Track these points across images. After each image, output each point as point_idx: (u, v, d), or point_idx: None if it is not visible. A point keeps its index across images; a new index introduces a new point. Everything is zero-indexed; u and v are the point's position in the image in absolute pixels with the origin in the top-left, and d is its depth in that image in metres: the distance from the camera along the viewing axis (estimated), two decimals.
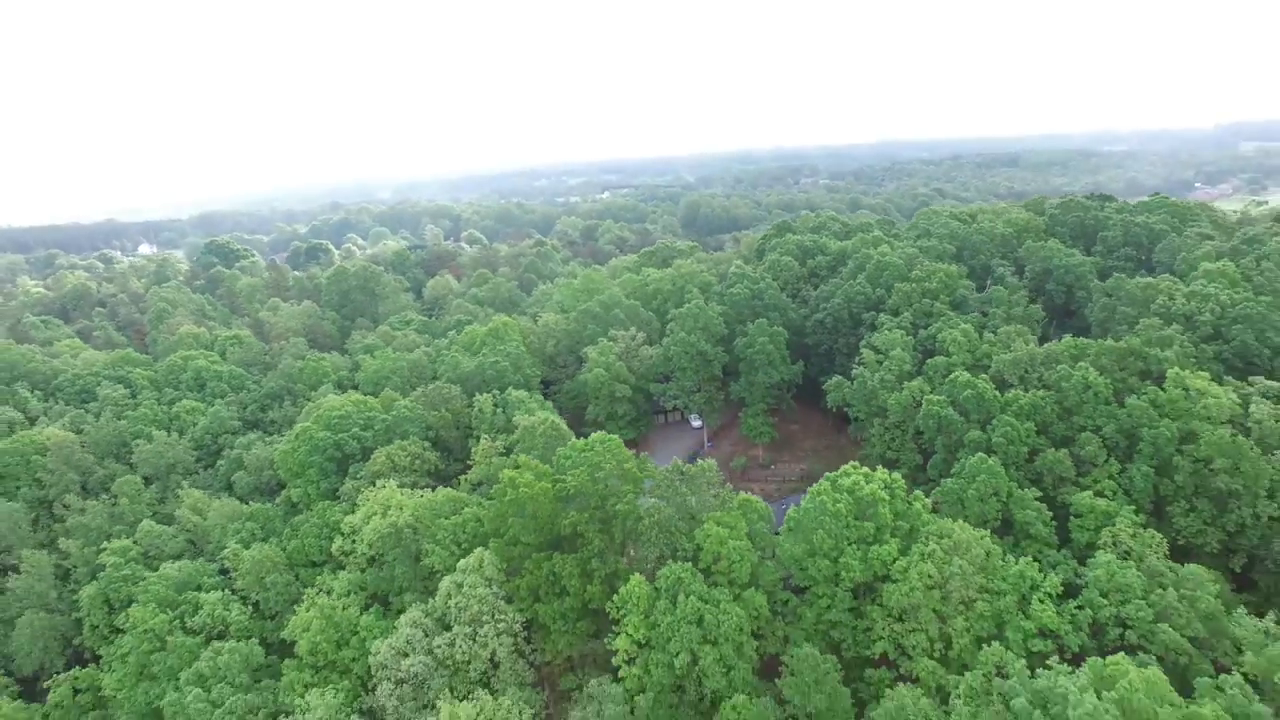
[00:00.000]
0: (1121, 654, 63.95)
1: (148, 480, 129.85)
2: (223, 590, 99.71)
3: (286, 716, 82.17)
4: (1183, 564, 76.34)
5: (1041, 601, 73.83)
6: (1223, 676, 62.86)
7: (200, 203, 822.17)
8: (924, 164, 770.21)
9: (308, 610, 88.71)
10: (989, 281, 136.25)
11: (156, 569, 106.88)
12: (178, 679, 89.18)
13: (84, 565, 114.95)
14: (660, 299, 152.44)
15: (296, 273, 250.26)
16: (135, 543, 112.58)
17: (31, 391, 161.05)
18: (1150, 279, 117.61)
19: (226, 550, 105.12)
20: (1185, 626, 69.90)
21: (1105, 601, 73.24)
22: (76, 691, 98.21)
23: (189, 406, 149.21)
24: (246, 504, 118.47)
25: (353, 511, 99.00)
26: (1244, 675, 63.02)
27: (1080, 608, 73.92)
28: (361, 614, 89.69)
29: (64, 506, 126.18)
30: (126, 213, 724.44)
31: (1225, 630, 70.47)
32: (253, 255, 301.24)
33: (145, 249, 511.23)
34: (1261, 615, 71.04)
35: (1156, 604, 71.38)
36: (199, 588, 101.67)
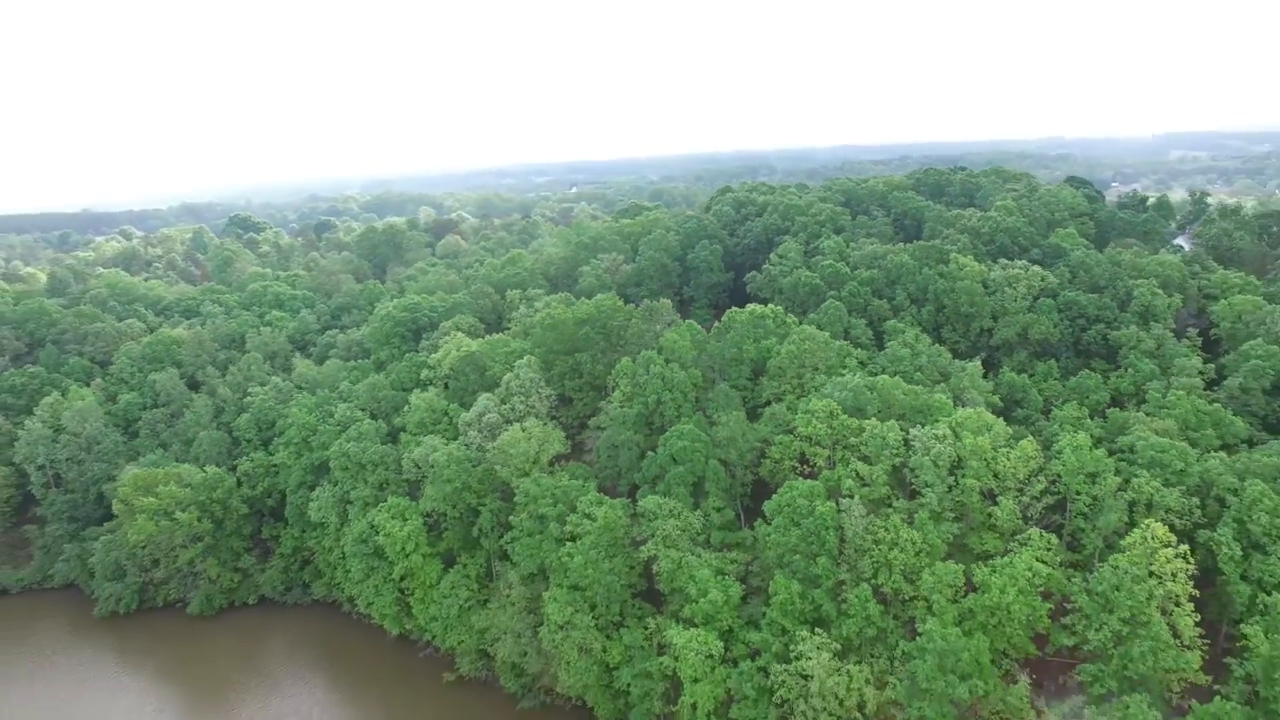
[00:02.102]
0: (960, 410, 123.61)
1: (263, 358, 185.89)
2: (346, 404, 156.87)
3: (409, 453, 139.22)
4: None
5: (855, 370, 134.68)
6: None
7: (174, 196, 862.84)
8: (874, 164, 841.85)
9: (416, 400, 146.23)
10: (863, 217, 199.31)
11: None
12: (327, 448, 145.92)
13: (233, 406, 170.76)
14: (633, 238, 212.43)
15: (327, 234, 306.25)
16: (275, 388, 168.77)
17: (146, 309, 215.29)
18: (961, 210, 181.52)
19: (343, 385, 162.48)
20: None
21: (903, 376, 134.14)
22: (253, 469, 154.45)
23: (277, 316, 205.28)
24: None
25: (435, 349, 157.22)
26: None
27: (884, 372, 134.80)
28: (448, 405, 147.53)
29: (204, 377, 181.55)
30: (101, 204, 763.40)
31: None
32: (271, 227, 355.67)
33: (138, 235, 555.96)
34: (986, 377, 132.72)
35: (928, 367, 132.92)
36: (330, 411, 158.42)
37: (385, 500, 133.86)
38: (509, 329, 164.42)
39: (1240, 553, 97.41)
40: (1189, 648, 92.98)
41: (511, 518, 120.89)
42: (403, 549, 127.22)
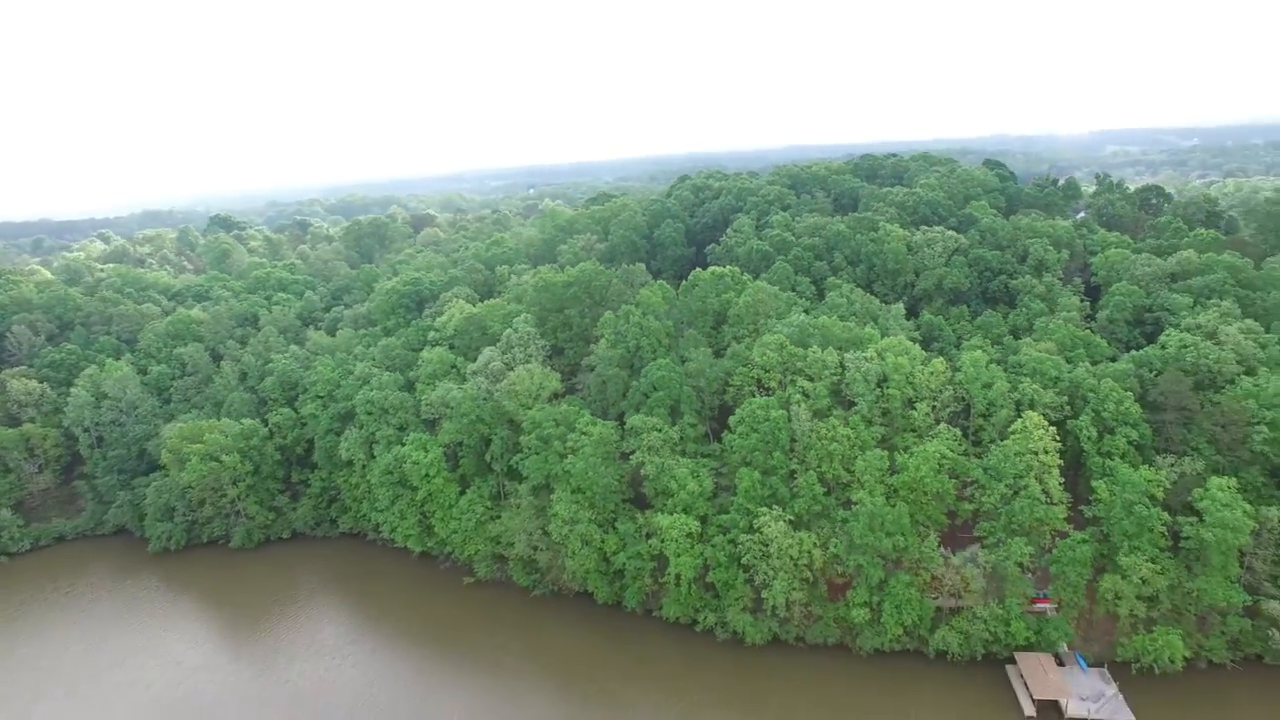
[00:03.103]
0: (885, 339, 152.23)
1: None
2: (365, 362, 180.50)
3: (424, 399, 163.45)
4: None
5: (800, 314, 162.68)
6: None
7: (131, 205, 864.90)
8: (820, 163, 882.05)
9: (426, 355, 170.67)
10: (806, 196, 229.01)
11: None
12: (351, 399, 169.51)
13: (255, 372, 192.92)
14: (604, 221, 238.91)
15: (311, 230, 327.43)
16: (294, 356, 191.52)
17: (159, 294, 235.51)
18: (891, 190, 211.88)
19: (357, 349, 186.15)
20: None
21: (840, 319, 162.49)
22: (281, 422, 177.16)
23: (283, 298, 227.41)
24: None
25: (440, 314, 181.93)
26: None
27: (824, 315, 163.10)
28: (455, 359, 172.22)
29: (226, 350, 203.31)
30: (58, 213, 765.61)
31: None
32: (253, 226, 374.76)
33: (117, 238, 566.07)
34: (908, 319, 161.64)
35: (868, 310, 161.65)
36: (349, 370, 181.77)
37: (406, 439, 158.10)
38: (503, 296, 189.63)
39: (1095, 434, 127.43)
40: (1055, 504, 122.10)
41: (521, 439, 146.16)
42: (426, 474, 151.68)
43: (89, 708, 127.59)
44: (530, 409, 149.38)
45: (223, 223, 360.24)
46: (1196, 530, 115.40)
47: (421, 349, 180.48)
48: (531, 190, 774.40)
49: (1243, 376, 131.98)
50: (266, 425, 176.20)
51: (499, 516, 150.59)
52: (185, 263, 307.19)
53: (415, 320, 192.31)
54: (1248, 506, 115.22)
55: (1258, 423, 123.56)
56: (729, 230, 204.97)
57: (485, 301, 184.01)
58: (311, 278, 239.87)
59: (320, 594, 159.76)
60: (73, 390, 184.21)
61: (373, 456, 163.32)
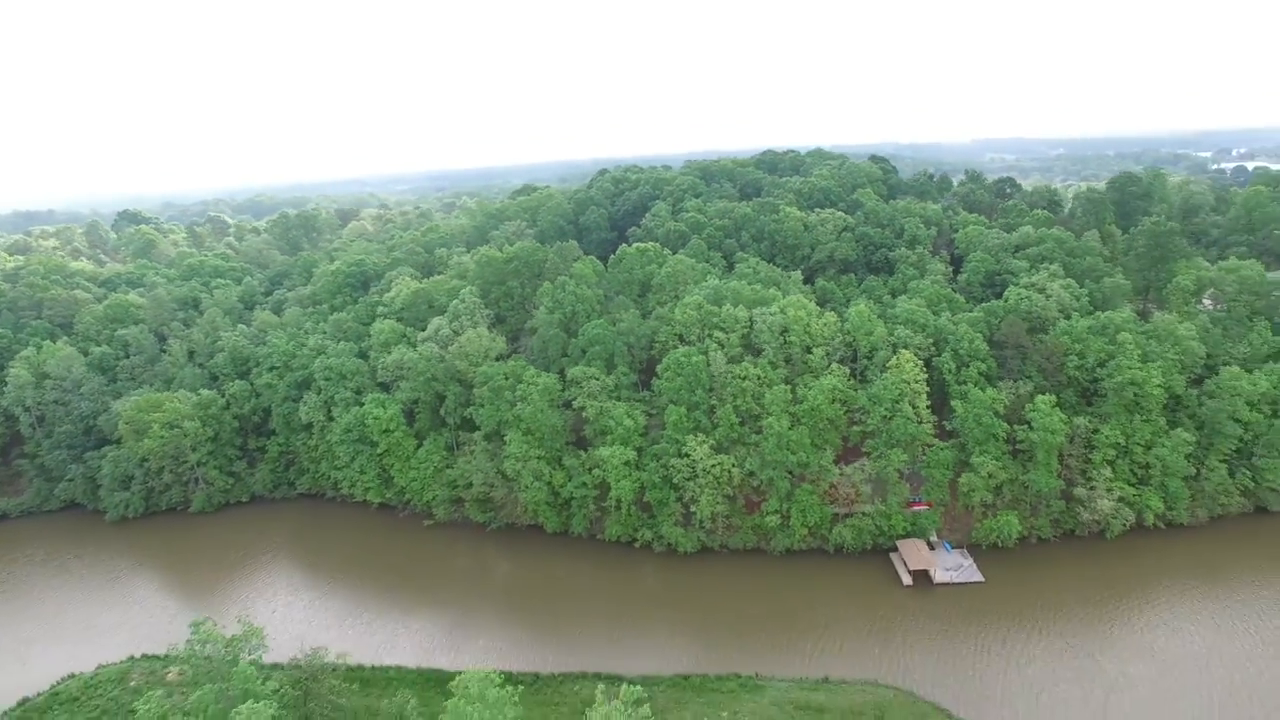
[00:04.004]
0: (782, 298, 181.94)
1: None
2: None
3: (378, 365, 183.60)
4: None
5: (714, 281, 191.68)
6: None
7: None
8: None
9: (378, 326, 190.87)
10: (716, 185, 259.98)
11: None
12: (307, 368, 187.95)
13: (204, 350, 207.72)
14: (531, 210, 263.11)
15: (233, 221, 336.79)
16: (244, 333, 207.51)
17: (88, 281, 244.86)
18: (789, 179, 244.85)
19: (307, 325, 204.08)
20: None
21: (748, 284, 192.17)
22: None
23: (221, 283, 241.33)
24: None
25: (388, 289, 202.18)
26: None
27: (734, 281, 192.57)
28: (405, 329, 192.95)
29: (170, 331, 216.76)
30: None
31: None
32: (160, 220, 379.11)
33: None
34: (805, 284, 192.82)
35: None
36: (302, 343, 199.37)
37: (363, 401, 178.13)
38: (446, 273, 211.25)
39: (954, 367, 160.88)
40: (923, 422, 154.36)
41: (474, 391, 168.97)
42: (386, 429, 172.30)
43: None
44: (480, 366, 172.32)
45: (132, 218, 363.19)
46: (1028, 435, 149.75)
47: (370, 323, 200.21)
48: (440, 192, 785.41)
49: (1061, 320, 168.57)
50: (223, 396, 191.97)
51: (453, 465, 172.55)
52: (101, 255, 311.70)
53: (362, 298, 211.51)
54: (1063, 416, 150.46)
55: (1070, 354, 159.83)
56: (648, 215, 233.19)
57: (430, 278, 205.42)
58: (248, 265, 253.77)
59: (285, 548, 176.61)
60: (11, 371, 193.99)
61: (331, 419, 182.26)
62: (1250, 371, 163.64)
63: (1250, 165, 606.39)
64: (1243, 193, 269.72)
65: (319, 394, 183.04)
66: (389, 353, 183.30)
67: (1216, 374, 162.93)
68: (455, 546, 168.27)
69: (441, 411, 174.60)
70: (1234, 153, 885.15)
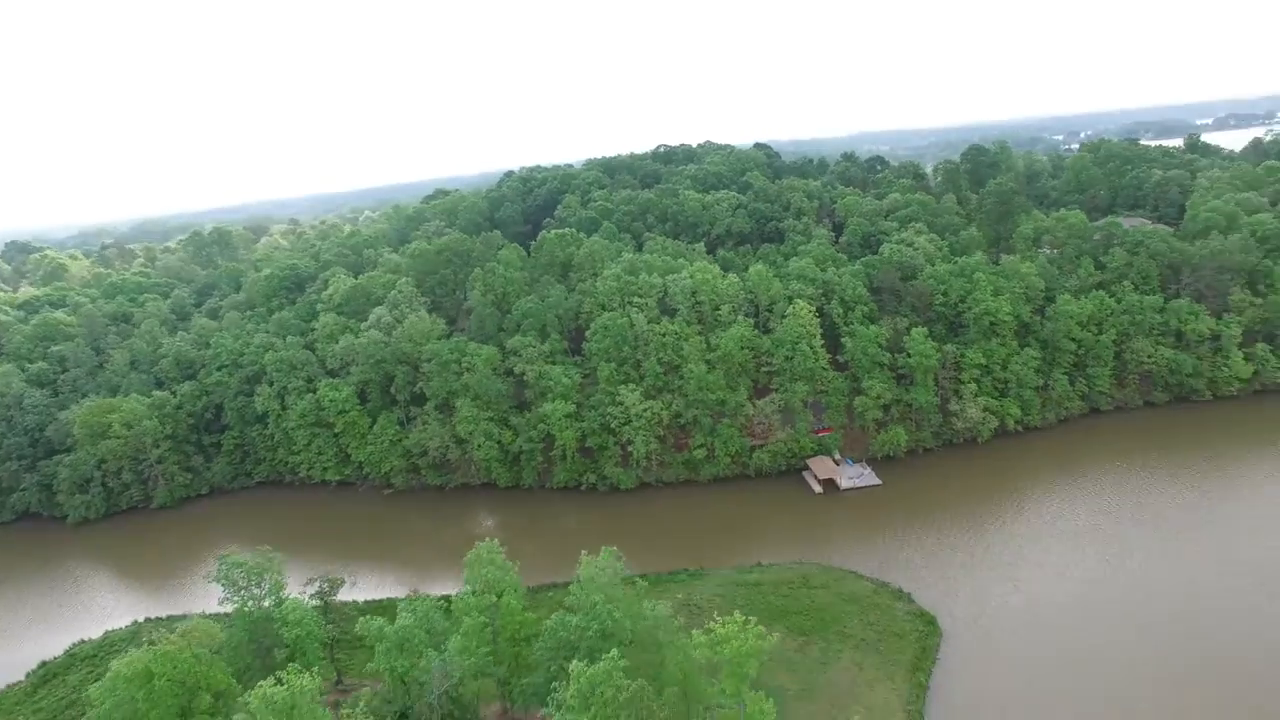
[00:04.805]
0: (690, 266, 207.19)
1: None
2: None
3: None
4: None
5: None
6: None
7: None
8: None
9: (323, 319, 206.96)
10: (619, 178, 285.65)
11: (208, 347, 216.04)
12: (256, 363, 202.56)
13: (147, 357, 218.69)
14: (447, 212, 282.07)
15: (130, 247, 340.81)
16: (184, 339, 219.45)
17: (6, 305, 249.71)
18: (685, 168, 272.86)
19: (248, 327, 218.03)
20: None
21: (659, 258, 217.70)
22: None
23: (149, 298, 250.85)
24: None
25: (325, 288, 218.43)
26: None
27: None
28: (347, 321, 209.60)
29: (106, 345, 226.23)
30: None
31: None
32: (51, 249, 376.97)
33: None
34: (709, 254, 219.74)
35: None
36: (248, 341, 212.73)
37: (315, 388, 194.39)
38: (378, 269, 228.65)
39: (842, 311, 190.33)
40: (819, 358, 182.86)
41: (423, 367, 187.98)
42: (341, 410, 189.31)
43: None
44: (425, 345, 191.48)
45: (22, 248, 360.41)
46: (907, 362, 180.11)
47: (311, 319, 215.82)
48: (331, 213, 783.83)
49: (927, 267, 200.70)
50: (176, 396, 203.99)
51: (408, 436, 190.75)
52: (1, 283, 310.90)
53: (299, 298, 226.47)
54: (934, 345, 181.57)
55: (936, 294, 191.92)
56: (559, 207, 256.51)
57: (364, 275, 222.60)
58: (172, 280, 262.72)
59: (250, 533, 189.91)
60: None
61: (285, 407, 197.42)
62: (1079, 298, 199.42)
63: None
64: (1071, 160, 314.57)
65: (271, 385, 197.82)
66: (336, 342, 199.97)
67: (1053, 302, 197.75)
68: (415, 509, 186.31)
69: (391, 390, 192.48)
70: (1082, 135, 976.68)
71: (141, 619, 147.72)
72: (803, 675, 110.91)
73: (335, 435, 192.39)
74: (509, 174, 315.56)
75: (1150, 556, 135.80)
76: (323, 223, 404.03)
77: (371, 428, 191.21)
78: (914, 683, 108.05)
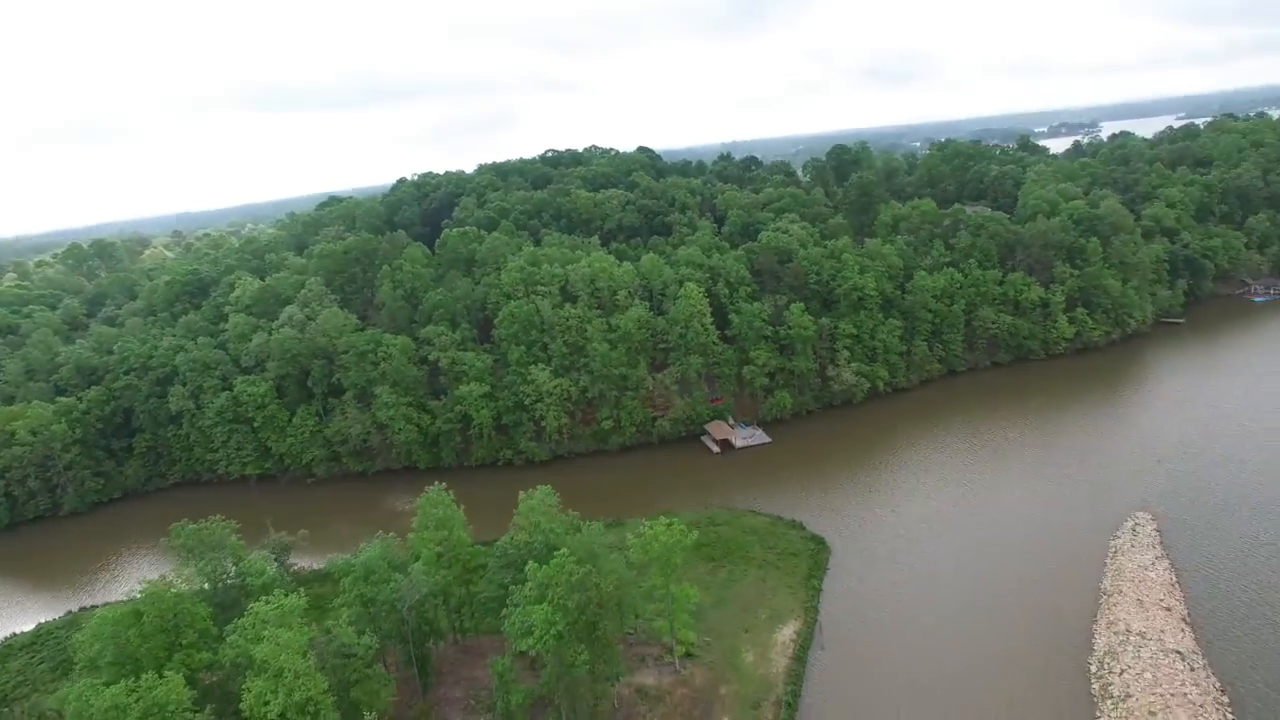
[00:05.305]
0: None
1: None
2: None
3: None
4: None
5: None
6: None
7: None
8: None
9: (234, 319, 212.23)
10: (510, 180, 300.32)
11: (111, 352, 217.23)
12: (167, 365, 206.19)
13: (44, 366, 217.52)
14: (344, 217, 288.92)
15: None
16: (83, 346, 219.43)
17: None
18: (574, 170, 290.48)
19: (153, 331, 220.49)
20: None
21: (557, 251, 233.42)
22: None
23: (35, 309, 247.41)
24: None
25: (231, 290, 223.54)
26: None
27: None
28: (257, 321, 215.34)
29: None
30: None
31: None
32: None
33: None
34: (603, 247, 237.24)
35: None
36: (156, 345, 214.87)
37: (230, 386, 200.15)
38: (284, 272, 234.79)
39: (728, 291, 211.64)
40: (710, 334, 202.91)
41: (340, 358, 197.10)
42: (260, 404, 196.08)
43: None
44: (341, 339, 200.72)
45: None
46: (787, 333, 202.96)
47: (219, 321, 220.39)
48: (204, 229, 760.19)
49: (801, 250, 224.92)
50: (82, 402, 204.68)
51: (328, 426, 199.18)
52: None
53: (204, 302, 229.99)
54: (811, 318, 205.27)
55: (810, 274, 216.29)
56: (456, 209, 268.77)
57: (272, 276, 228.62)
58: (57, 292, 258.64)
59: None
60: None
61: (200, 406, 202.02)
62: (932, 275, 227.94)
63: None
64: (924, 158, 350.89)
65: (185, 385, 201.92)
66: (249, 341, 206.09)
67: (911, 279, 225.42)
68: (341, 497, 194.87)
69: (309, 383, 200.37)
70: (940, 140, 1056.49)
71: (76, 609, 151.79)
72: (716, 591, 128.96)
73: (254, 430, 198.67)
74: (401, 180, 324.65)
75: (998, 483, 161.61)
76: (205, 235, 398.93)
77: (291, 420, 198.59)
78: (809, 587, 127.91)
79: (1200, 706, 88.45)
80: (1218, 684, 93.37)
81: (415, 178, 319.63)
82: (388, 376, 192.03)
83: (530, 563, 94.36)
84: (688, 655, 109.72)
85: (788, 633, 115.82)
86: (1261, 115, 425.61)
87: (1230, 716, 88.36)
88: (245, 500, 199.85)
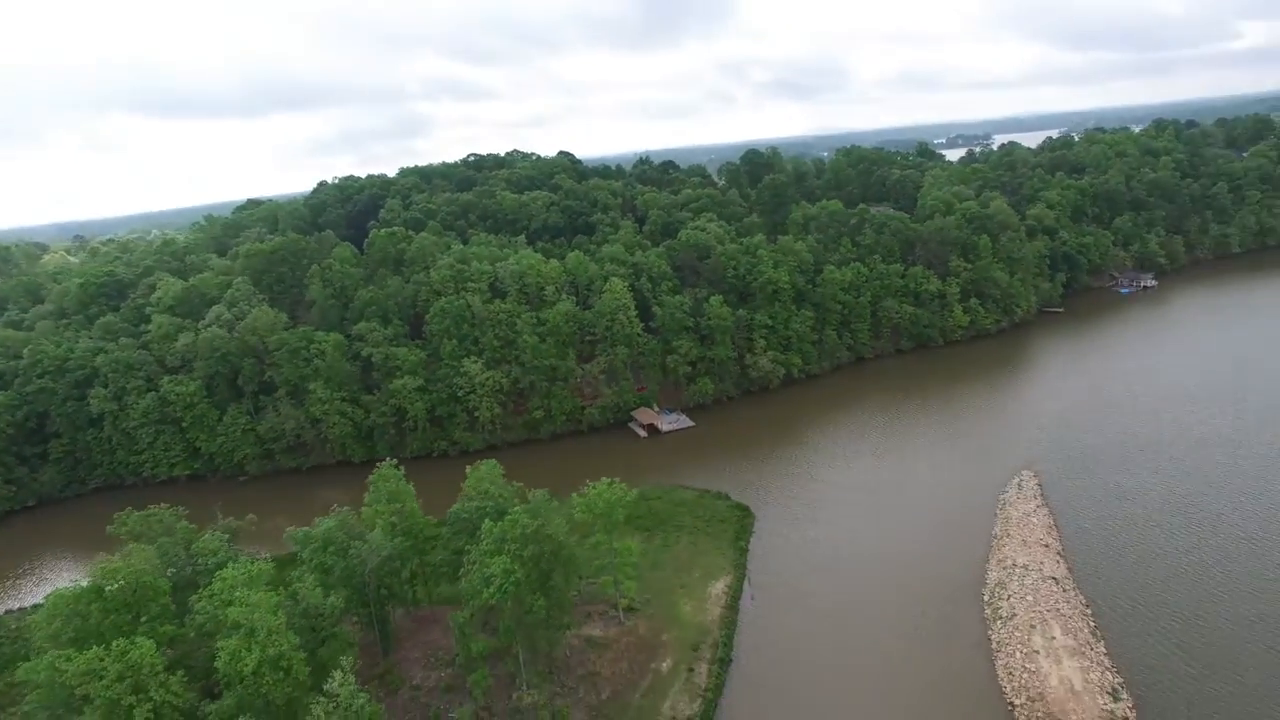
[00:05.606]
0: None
1: None
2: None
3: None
4: None
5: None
6: None
7: None
8: None
9: (158, 320, 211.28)
10: (434, 183, 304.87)
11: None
12: (85, 367, 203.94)
13: None
14: (265, 220, 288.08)
15: None
16: None
17: None
18: (498, 172, 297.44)
19: (67, 335, 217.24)
20: None
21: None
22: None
23: None
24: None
25: (154, 290, 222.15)
26: None
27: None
28: (183, 321, 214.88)
29: None
30: None
31: None
32: None
33: None
34: (528, 246, 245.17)
35: None
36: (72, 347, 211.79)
37: (156, 387, 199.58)
38: (208, 273, 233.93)
39: (651, 285, 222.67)
40: (634, 326, 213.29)
41: (273, 355, 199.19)
42: (189, 404, 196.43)
43: None
44: (272, 336, 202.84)
45: None
46: (708, 324, 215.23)
47: (140, 323, 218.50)
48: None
49: (719, 246, 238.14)
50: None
51: (260, 424, 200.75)
52: None
53: (123, 304, 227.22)
54: (729, 310, 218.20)
55: (727, 268, 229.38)
56: (382, 210, 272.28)
57: (195, 277, 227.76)
58: None
59: (87, 541, 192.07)
60: None
61: (124, 408, 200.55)
62: (840, 269, 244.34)
63: None
64: (831, 162, 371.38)
65: (107, 387, 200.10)
66: (174, 341, 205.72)
67: (821, 273, 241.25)
68: (275, 494, 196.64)
69: (239, 382, 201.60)
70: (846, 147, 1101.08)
71: (1, 611, 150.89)
72: (652, 555, 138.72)
73: (183, 430, 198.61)
74: (321, 183, 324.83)
75: (905, 454, 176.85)
76: (111, 240, 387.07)
77: (221, 419, 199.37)
78: (737, 548, 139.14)
79: (1069, 618, 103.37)
80: (1084, 600, 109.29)
81: (336, 181, 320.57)
82: (321, 372, 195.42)
83: (486, 521, 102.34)
84: (630, 609, 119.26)
85: (720, 586, 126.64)
86: (1125, 129, 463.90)
87: (1093, 623, 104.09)
88: (175, 501, 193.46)
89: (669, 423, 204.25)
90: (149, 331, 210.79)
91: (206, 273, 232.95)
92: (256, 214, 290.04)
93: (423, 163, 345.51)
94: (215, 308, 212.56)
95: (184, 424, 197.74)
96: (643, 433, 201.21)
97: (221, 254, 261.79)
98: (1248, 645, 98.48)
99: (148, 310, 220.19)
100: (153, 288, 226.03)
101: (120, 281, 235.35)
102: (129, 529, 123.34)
